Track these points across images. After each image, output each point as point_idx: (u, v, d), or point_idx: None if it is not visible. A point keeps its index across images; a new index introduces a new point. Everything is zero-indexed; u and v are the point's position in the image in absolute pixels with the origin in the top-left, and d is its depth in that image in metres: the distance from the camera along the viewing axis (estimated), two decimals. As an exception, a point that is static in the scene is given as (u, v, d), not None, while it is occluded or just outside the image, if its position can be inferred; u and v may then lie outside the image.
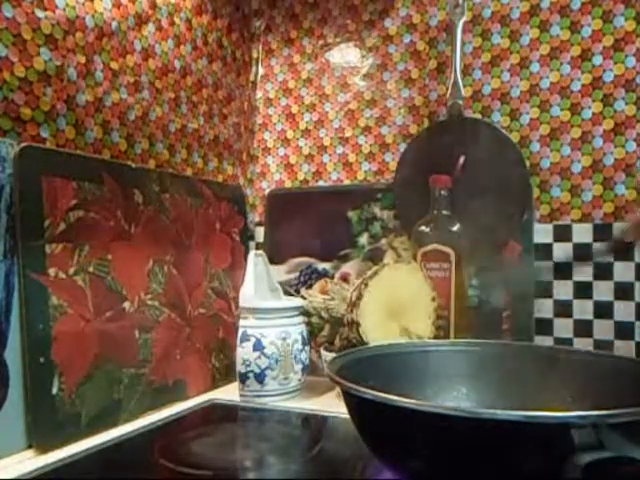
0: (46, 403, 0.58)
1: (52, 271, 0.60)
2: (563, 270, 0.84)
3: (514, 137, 0.87)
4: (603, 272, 0.82)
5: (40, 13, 0.64)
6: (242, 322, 0.76)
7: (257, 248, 1.00)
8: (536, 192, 0.87)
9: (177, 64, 0.86)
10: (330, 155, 1.02)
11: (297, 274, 0.99)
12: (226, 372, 0.85)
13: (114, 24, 0.74)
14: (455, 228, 0.79)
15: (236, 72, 1.02)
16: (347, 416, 0.45)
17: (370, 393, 0.38)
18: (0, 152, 0.57)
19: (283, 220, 1.01)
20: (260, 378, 0.74)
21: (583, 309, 0.83)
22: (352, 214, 0.96)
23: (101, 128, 0.72)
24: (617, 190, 0.83)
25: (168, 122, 0.84)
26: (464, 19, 0.88)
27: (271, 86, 1.06)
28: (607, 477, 0.34)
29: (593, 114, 0.84)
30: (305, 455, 0.57)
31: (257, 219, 1.05)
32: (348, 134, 1.00)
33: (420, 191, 0.83)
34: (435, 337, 0.73)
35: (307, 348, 0.79)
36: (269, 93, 1.06)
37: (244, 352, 0.75)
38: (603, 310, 0.82)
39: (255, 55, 1.07)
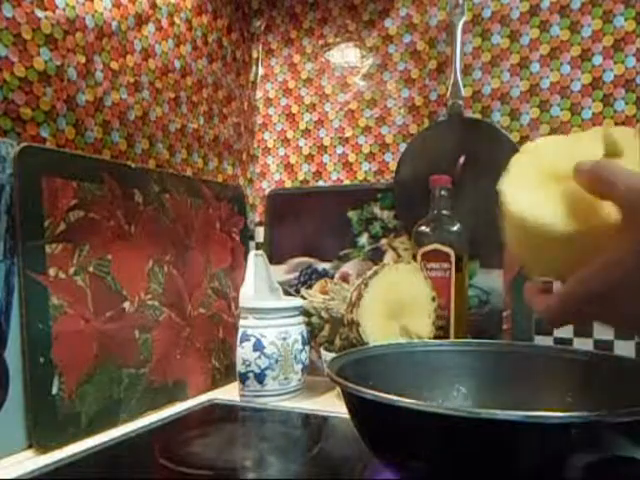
0: (46, 403, 0.58)
1: (52, 271, 0.60)
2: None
3: (514, 137, 0.87)
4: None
5: (40, 13, 0.64)
6: (242, 322, 0.77)
7: (257, 248, 1.00)
8: (536, 192, 0.87)
9: (177, 64, 0.86)
10: (330, 155, 1.02)
11: (297, 274, 0.99)
12: (226, 372, 0.85)
13: (114, 24, 0.74)
14: (455, 228, 0.79)
15: (236, 72, 1.02)
16: (347, 416, 0.45)
17: (370, 393, 0.38)
18: (0, 152, 0.57)
19: (283, 220, 1.01)
20: (260, 378, 0.74)
21: (583, 309, 0.83)
22: (352, 214, 0.96)
23: (101, 128, 0.72)
24: (617, 190, 0.83)
25: (168, 122, 0.84)
26: (464, 19, 0.88)
27: (271, 86, 1.06)
28: (607, 477, 0.34)
29: (593, 114, 0.84)
30: (305, 455, 0.57)
31: (257, 219, 1.05)
32: (348, 134, 1.00)
33: (420, 191, 0.83)
34: (435, 337, 0.73)
35: (307, 348, 0.79)
36: (269, 93, 1.06)
37: (244, 352, 0.75)
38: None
39: (255, 55, 1.07)
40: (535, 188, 0.43)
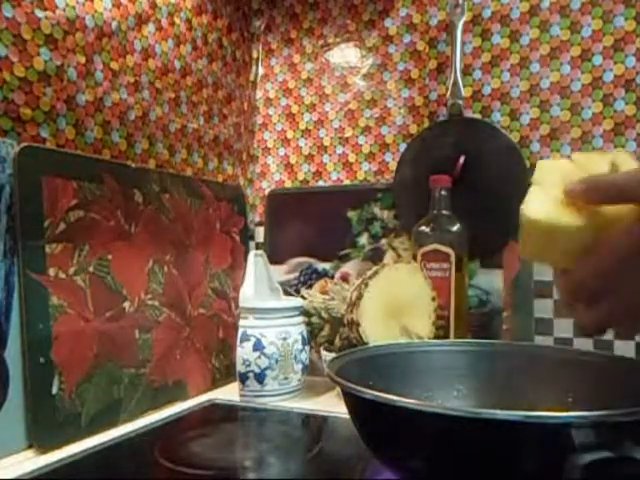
0: (46, 403, 0.58)
1: (52, 271, 0.60)
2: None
3: (514, 137, 0.87)
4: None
5: (40, 13, 0.64)
6: (242, 322, 0.77)
7: (257, 248, 1.00)
8: (536, 192, 0.87)
9: (177, 64, 0.86)
10: (330, 155, 1.02)
11: (297, 274, 0.99)
12: (226, 372, 0.85)
13: (114, 24, 0.74)
14: (455, 228, 0.79)
15: (236, 72, 1.02)
16: (347, 416, 0.45)
17: (370, 393, 0.38)
18: (0, 152, 0.57)
19: (283, 220, 1.01)
20: (260, 378, 0.74)
21: (583, 309, 0.83)
22: (352, 214, 0.96)
23: (101, 128, 0.72)
24: (617, 190, 0.83)
25: (168, 122, 0.84)
26: (464, 19, 0.88)
27: (271, 86, 1.06)
28: (607, 477, 0.34)
29: (593, 114, 0.84)
30: (305, 455, 0.57)
31: (257, 219, 1.05)
32: (348, 134, 1.00)
33: (420, 191, 0.83)
34: (435, 337, 0.73)
35: (307, 348, 0.79)
36: (269, 93, 1.06)
37: (244, 352, 0.75)
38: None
39: (255, 55, 1.07)
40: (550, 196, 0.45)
